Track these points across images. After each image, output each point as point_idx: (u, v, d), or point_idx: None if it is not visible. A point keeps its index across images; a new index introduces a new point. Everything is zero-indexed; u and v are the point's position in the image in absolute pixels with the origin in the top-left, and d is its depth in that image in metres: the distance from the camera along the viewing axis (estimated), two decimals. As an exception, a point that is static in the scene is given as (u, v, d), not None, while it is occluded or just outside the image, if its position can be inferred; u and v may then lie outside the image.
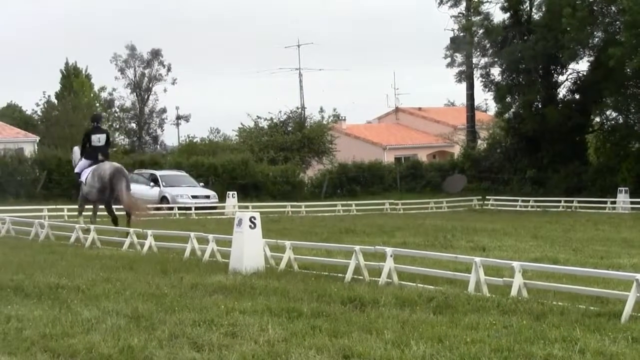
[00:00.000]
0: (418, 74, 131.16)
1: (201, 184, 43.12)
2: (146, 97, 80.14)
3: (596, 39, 47.82)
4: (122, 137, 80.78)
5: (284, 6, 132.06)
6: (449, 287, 12.80)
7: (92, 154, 24.31)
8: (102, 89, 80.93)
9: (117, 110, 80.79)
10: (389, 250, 14.12)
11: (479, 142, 60.04)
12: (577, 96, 51.53)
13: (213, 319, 10.32)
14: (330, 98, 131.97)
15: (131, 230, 20.27)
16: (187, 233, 18.59)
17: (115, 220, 24.10)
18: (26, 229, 24.00)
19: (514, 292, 12.20)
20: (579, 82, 51.16)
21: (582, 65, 51.42)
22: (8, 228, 24.37)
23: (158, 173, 42.34)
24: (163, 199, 40.11)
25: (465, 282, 12.96)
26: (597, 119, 52.10)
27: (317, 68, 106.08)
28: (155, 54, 79.24)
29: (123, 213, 24.73)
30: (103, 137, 24.39)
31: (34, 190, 43.26)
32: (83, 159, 24.64)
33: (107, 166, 24.05)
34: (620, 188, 42.75)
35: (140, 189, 41.04)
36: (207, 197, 40.89)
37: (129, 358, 8.63)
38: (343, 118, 76.79)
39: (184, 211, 37.04)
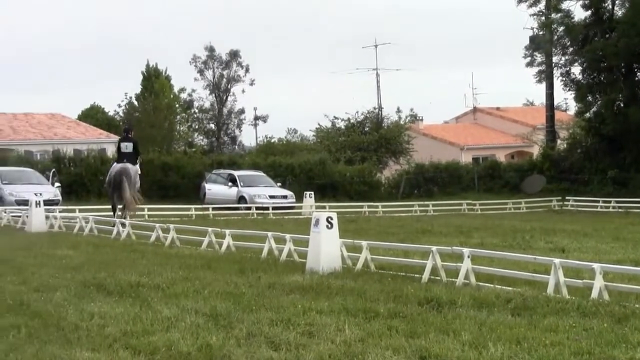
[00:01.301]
0: (496, 74, 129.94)
1: (279, 184, 43.38)
2: (225, 97, 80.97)
3: (681, 36, 46.78)
4: (201, 137, 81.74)
5: (362, 6, 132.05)
6: (528, 288, 12.64)
7: (120, 159, 27.96)
8: (182, 90, 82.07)
9: (196, 111, 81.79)
10: (466, 251, 14.02)
11: (559, 142, 59.20)
12: (661, 95, 50.46)
13: (290, 318, 10.37)
14: (408, 98, 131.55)
15: (210, 229, 20.47)
16: (265, 233, 18.71)
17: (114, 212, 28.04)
18: (108, 228, 24.44)
19: (594, 294, 12.01)
20: (662, 80, 50.12)
21: (666, 64, 50.39)
22: (91, 227, 24.85)
23: (236, 173, 42.71)
24: (241, 199, 40.45)
25: (544, 283, 12.80)
26: (683, 118, 50.91)
27: (394, 68, 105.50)
28: (234, 55, 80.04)
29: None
30: (130, 145, 27.97)
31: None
32: (114, 162, 28.67)
33: (118, 167, 27.59)
34: None
35: (219, 189, 41.53)
36: (285, 197, 41.08)
37: (208, 356, 8.73)
38: (420, 118, 76.51)
39: (261, 211, 37.29)
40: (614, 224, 32.24)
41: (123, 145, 28.10)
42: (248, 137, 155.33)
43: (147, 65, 79.13)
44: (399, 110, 74.27)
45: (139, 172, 28.25)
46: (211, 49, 79.52)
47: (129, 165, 27.40)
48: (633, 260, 18.05)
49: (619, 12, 51.10)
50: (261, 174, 44.13)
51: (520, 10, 64.64)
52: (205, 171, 44.92)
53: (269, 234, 18.23)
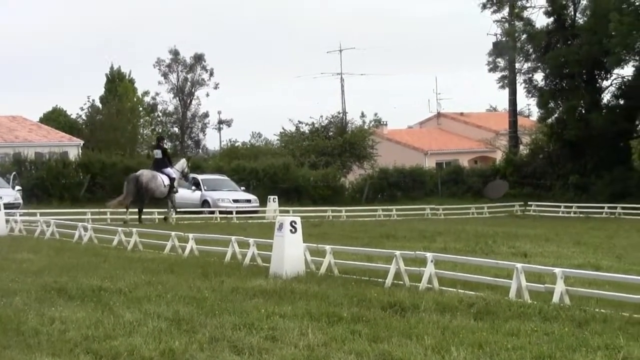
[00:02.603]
0: (460, 79, 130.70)
1: (242, 188, 43.27)
2: (189, 101, 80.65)
3: (642, 44, 47.33)
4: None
5: (326, 11, 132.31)
6: (490, 293, 12.73)
7: (152, 164, 34.07)
8: (146, 93, 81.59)
9: (160, 114, 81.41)
10: (429, 255, 14.08)
11: (521, 147, 59.65)
12: (621, 101, 51.00)
13: (253, 322, 10.36)
14: (372, 103, 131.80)
15: (173, 233, 20.39)
16: (228, 237, 18.67)
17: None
18: (70, 232, 24.25)
19: (555, 298, 12.11)
20: (624, 87, 50.64)
21: (627, 70, 50.97)
22: (52, 231, 24.64)
23: (200, 177, 42.53)
24: (204, 203, 40.30)
25: (507, 288, 12.89)
26: (643, 125, 51.58)
27: (358, 73, 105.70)
28: (198, 58, 79.72)
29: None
30: (159, 152, 33.79)
31: (78, 194, 43.69)
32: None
33: (137, 173, 32.85)
34: (666, 194, 42.30)
35: (182, 193, 41.33)
36: (248, 201, 41.00)
37: (170, 361, 8.70)
38: (384, 123, 76.73)
39: (225, 215, 37.18)
40: (575, 228, 32.54)
41: (154, 152, 34.02)
42: (212, 141, 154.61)
43: (111, 68, 78.68)
44: (363, 115, 74.50)
45: (173, 177, 33.15)
46: (175, 53, 79.19)
47: (140, 172, 33.20)
48: (593, 265, 18.23)
49: (580, 19, 51.64)
50: (225, 178, 43.99)
51: (484, 16, 65.28)
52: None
53: (233, 238, 18.19)
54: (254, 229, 28.58)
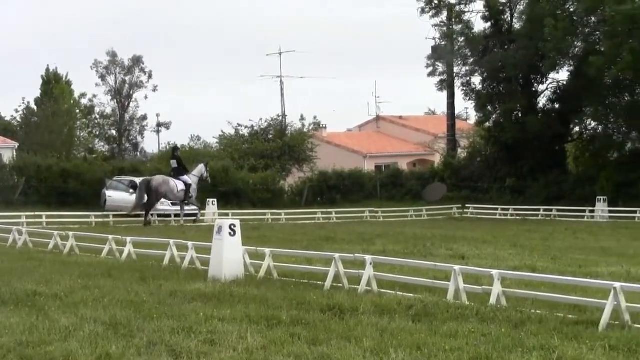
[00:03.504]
0: (399, 83, 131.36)
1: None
2: (127, 103, 79.90)
3: (576, 49, 48.11)
4: (102, 143, 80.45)
5: (266, 14, 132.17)
6: (428, 295, 12.82)
7: (171, 172, 36.69)
8: (83, 95, 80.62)
9: (98, 116, 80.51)
10: (368, 258, 14.14)
11: (459, 150, 60.15)
12: (557, 105, 51.76)
13: (192, 326, 10.29)
14: (311, 106, 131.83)
15: (110, 237, 20.20)
16: (167, 240, 18.56)
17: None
18: (4, 236, 23.87)
19: (492, 300, 12.24)
20: (559, 91, 51.43)
21: (562, 75, 51.80)
22: (-14, 235, 24.24)
23: (138, 180, 42.14)
24: (143, 206, 39.89)
25: (445, 290, 12.99)
26: (577, 129, 52.38)
27: (298, 76, 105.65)
28: (137, 60, 79.03)
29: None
30: (174, 161, 36.98)
31: (12, 197, 42.98)
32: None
33: (149, 177, 36.58)
34: (599, 197, 42.97)
35: (120, 196, 40.90)
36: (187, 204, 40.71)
37: (107, 366, 8.61)
38: (324, 126, 76.74)
39: (163, 218, 36.89)
40: (512, 231, 32.93)
41: (171, 161, 37.30)
42: (151, 144, 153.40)
43: (47, 69, 77.58)
44: (302, 118, 74.37)
45: (189, 182, 35.93)
46: (113, 54, 78.39)
47: (152, 178, 36.22)
48: (530, 267, 18.47)
49: (517, 24, 52.29)
50: (163, 181, 43.62)
51: (423, 20, 65.69)
52: (106, 178, 44.19)
53: (171, 241, 18.09)
54: (192, 233, 28.42)
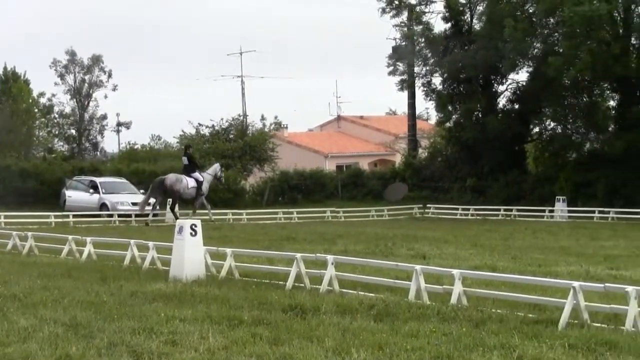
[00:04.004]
0: (360, 83, 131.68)
1: (141, 191, 42.70)
2: (86, 103, 79.21)
3: (535, 50, 48.48)
4: (62, 143, 79.71)
5: (226, 13, 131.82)
6: (390, 294, 12.86)
7: (182, 170, 37.73)
8: (41, 94, 79.79)
9: (57, 116, 79.76)
10: (330, 258, 14.15)
11: (420, 150, 60.37)
12: (516, 106, 52.12)
13: (153, 327, 10.24)
14: (272, 106, 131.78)
15: (70, 237, 20.04)
16: (127, 240, 18.45)
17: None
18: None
19: (453, 299, 12.31)
20: (518, 92, 51.79)
21: (521, 76, 52.13)
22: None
23: (98, 180, 41.87)
24: (103, 206, 39.67)
25: (406, 289, 13.04)
26: (536, 129, 52.76)
27: (259, 76, 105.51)
28: (96, 59, 78.38)
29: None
30: (186, 158, 37.94)
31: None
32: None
33: (163, 176, 37.55)
34: (558, 197, 43.34)
35: (80, 196, 40.62)
36: (148, 204, 40.51)
37: (67, 367, 8.53)
38: (285, 126, 76.80)
39: (124, 218, 36.66)
40: (472, 230, 33.12)
41: (183, 159, 38.41)
42: (111, 144, 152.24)
43: (5, 68, 76.72)
44: (263, 118, 74.33)
45: (201, 180, 36.93)
46: (72, 54, 77.65)
47: (165, 177, 37.06)
48: (490, 266, 18.59)
49: (477, 25, 52.58)
50: (124, 180, 43.38)
51: (384, 20, 65.82)
52: (65, 178, 43.85)
53: (132, 241, 17.98)
54: (153, 233, 28.28)
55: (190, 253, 15.21)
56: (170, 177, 36.94)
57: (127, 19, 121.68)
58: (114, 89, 79.21)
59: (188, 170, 37.37)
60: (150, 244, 17.39)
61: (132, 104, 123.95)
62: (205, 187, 37.50)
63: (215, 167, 39.18)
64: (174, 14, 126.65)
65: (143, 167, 49.13)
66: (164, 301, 12.40)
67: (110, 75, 78.75)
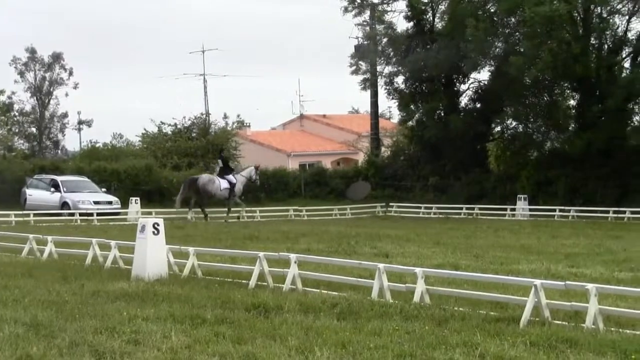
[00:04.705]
0: (323, 81, 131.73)
1: (103, 189, 42.45)
2: (47, 101, 78.56)
3: (497, 49, 48.78)
4: (22, 141, 78.90)
5: (188, 12, 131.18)
6: (353, 293, 12.89)
7: (218, 171, 40.24)
8: (1, 92, 78.94)
9: (17, 114, 78.96)
10: (293, 256, 14.16)
11: (383, 149, 60.50)
12: (478, 105, 52.42)
13: (115, 326, 10.19)
14: (235, 104, 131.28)
15: (31, 236, 19.86)
16: (89, 239, 18.32)
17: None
18: None
19: (416, 298, 12.36)
20: (480, 91, 52.10)
21: (483, 75, 52.43)
22: None
23: (59, 178, 41.52)
24: (64, 205, 39.36)
25: (369, 288, 13.07)
26: (498, 128, 53.07)
27: (221, 74, 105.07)
28: (57, 57, 77.75)
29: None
30: (219, 161, 41.16)
31: None
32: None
33: (195, 177, 39.98)
34: (520, 195, 43.67)
35: (41, 195, 40.28)
36: (110, 202, 40.27)
37: (28, 367, 8.46)
38: (247, 124, 76.48)
39: (85, 217, 36.39)
40: (434, 229, 33.26)
41: (217, 161, 41.56)
42: (72, 142, 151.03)
43: (-38, 65, 75.91)
44: (226, 117, 74.02)
45: (234, 182, 38.91)
46: (32, 51, 76.95)
47: (197, 177, 39.47)
48: (452, 264, 18.69)
49: (439, 24, 52.80)
50: (85, 179, 43.06)
51: (346, 19, 65.79)
52: (26, 176, 43.43)
53: (94, 240, 17.87)
54: (115, 232, 28.12)
55: (152, 252, 15.14)
56: (203, 178, 39.08)
57: (88, 16, 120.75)
58: (75, 87, 78.63)
59: (222, 173, 39.62)
60: (113, 242, 17.29)
61: (93, 102, 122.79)
62: (238, 188, 39.43)
63: (250, 170, 40.85)
64: (136, 11, 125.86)
65: (105, 166, 48.73)
66: (126, 300, 12.34)
67: (71, 73, 78.18)
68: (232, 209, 39.33)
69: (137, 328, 10.12)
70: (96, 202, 39.49)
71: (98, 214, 37.04)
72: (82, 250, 18.12)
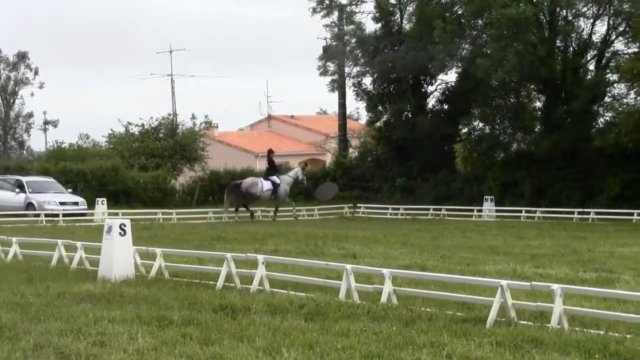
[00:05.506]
0: (291, 82, 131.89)
1: (69, 190, 42.17)
2: (12, 101, 78.02)
3: (464, 51, 49.03)
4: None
5: (156, 12, 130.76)
6: (320, 294, 12.89)
7: (265, 172, 42.05)
8: (-34, 91, 78.38)
9: (-19, 114, 78.40)
10: (260, 257, 14.14)
11: (351, 150, 60.60)
12: (445, 106, 52.65)
13: (81, 328, 10.12)
14: (203, 105, 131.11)
15: None
16: (55, 240, 18.18)
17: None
18: None
19: (384, 298, 12.38)
20: (447, 92, 52.33)
21: (450, 76, 52.67)
22: None
23: (24, 179, 41.21)
24: (29, 206, 39.06)
25: (337, 289, 13.08)
26: (465, 129, 53.34)
27: (189, 75, 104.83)
28: (22, 56, 77.31)
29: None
30: (265, 163, 42.63)
31: None
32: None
33: (239, 181, 41.53)
34: (486, 196, 43.85)
35: (5, 195, 39.94)
36: (76, 203, 40.03)
37: (-8, 370, 8.39)
38: (215, 125, 76.39)
39: (51, 218, 36.13)
40: (402, 230, 33.33)
41: (266, 163, 42.18)
42: (37, 143, 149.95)
43: None
44: (193, 117, 73.94)
45: (278, 182, 40.30)
46: (-3, 50, 76.51)
47: (241, 181, 40.85)
48: (420, 265, 18.74)
49: (407, 25, 52.95)
50: (51, 180, 42.76)
51: (315, 20, 65.81)
52: (-10, 177, 43.06)
53: (59, 241, 17.73)
54: (81, 232, 27.93)
55: (119, 253, 15.07)
56: (247, 181, 40.57)
57: (54, 16, 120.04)
58: (41, 86, 78.33)
59: (267, 174, 41.13)
60: (78, 244, 17.18)
61: (60, 102, 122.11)
62: (283, 188, 40.84)
63: (297, 171, 42.92)
64: (104, 11, 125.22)
65: (71, 166, 48.45)
66: (92, 302, 12.26)
67: (36, 73, 77.86)
68: (280, 208, 40.92)
69: (103, 330, 10.06)
70: (62, 203, 39.23)
71: (64, 215, 36.77)
72: (48, 252, 17.98)
